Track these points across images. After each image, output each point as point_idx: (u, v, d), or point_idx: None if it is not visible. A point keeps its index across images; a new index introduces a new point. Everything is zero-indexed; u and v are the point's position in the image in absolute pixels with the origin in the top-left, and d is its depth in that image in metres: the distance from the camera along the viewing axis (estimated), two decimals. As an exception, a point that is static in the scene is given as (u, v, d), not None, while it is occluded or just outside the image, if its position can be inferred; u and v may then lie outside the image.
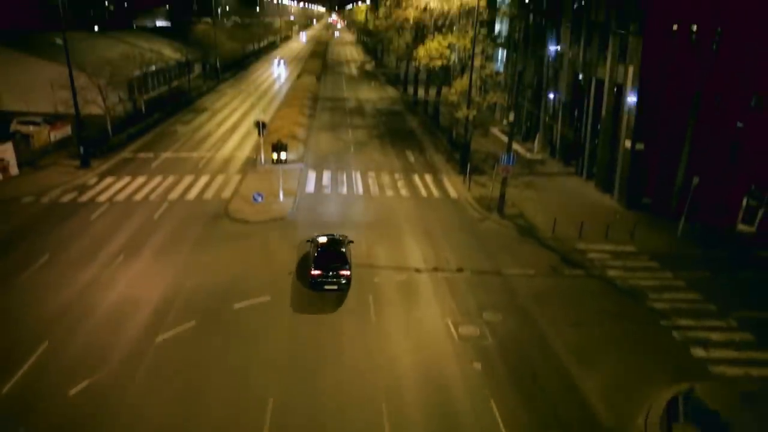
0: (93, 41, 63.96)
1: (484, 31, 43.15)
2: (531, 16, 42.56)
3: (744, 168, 28.93)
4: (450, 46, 38.54)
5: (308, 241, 24.06)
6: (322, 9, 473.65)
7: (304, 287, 22.06)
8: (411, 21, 42.81)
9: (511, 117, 33.50)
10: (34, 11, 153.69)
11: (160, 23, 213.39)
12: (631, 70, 31.35)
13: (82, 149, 35.70)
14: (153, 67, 62.45)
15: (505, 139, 44.71)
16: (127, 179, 34.44)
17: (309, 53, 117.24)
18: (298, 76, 76.48)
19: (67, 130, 41.43)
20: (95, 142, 39.08)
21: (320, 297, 21.49)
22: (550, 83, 42.56)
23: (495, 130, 49.74)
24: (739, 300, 22.58)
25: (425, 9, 40.56)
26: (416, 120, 54.73)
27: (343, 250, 22.01)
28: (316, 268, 21.17)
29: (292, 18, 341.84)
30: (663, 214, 31.36)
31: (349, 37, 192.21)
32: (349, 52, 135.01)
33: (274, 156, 33.20)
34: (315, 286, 21.33)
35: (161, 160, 38.94)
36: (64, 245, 25.24)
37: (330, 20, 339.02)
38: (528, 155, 42.75)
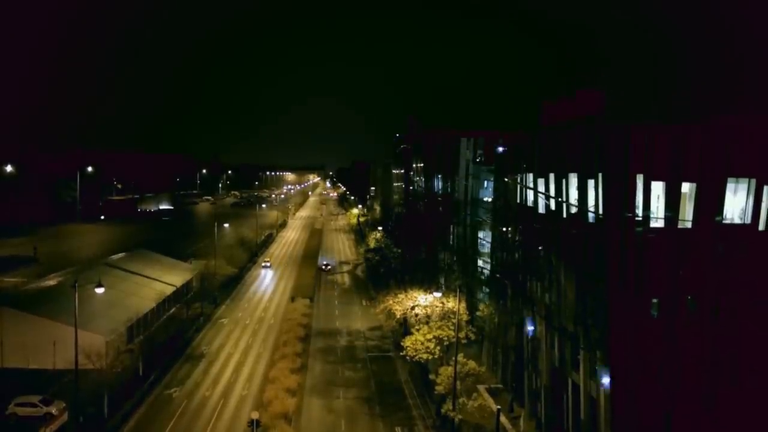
0: (99, 279, 67.45)
1: (466, 317, 46.82)
2: (509, 302, 46.49)
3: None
4: (435, 338, 41.58)
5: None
6: (317, 178, 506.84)
7: None
8: (398, 315, 46.68)
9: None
10: (47, 207, 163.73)
11: (163, 206, 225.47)
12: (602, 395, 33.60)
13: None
14: (153, 304, 65.71)
15: (493, 405, 45.92)
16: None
17: (302, 255, 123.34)
18: (292, 299, 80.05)
19: (64, 418, 42.36)
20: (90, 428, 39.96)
21: None
22: (531, 360, 44.90)
23: (482, 388, 51.03)
24: None
25: (412, 308, 44.53)
26: (405, 370, 56.26)
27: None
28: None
29: (290, 188, 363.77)
30: None
31: (343, 221, 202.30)
32: (343, 247, 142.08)
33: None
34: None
35: (154, 455, 39.62)
36: None
37: (327, 192, 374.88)
38: (516, 437, 43.70)
